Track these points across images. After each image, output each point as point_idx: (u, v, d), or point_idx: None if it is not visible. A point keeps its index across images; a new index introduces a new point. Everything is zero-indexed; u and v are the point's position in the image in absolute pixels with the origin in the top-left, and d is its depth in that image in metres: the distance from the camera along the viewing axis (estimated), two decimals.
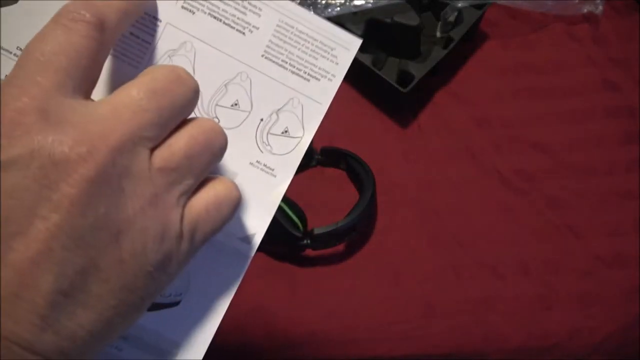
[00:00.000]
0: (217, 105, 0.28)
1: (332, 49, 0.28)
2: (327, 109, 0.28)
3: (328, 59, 0.28)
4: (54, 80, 0.21)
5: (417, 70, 0.55)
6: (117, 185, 0.20)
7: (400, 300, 0.51)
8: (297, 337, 0.50)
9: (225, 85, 0.28)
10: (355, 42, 0.28)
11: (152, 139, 0.22)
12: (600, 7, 0.61)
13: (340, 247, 0.53)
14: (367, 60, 0.55)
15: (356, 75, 0.57)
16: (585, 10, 0.62)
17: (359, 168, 0.54)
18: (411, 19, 0.56)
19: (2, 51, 0.27)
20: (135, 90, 0.22)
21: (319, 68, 0.28)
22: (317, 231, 0.49)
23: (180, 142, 0.23)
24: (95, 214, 0.20)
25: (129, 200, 0.21)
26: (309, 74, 0.28)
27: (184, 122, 0.24)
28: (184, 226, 0.23)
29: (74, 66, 0.21)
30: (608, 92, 0.59)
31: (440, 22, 0.59)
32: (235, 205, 0.25)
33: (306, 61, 0.28)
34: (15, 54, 0.27)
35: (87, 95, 0.22)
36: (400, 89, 0.54)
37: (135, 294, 0.21)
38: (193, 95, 0.23)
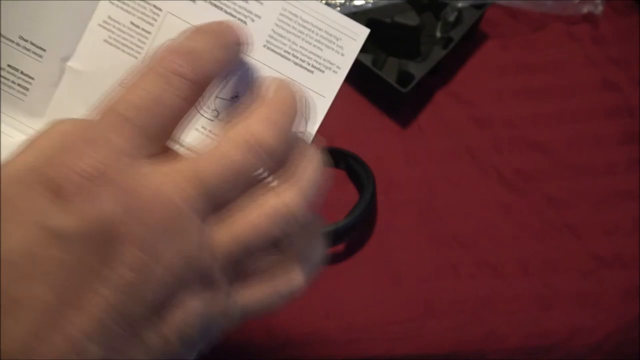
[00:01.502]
0: (217, 97, 0.27)
1: (337, 39, 0.27)
2: (331, 102, 0.27)
3: (333, 49, 0.27)
4: (129, 142, 0.20)
5: (417, 70, 0.55)
6: (171, 265, 0.20)
7: (400, 300, 0.51)
8: (297, 337, 0.50)
9: (226, 77, 0.27)
10: (363, 32, 0.27)
11: (207, 213, 0.21)
12: (600, 7, 0.61)
13: (340, 247, 0.53)
14: (367, 60, 0.55)
15: (356, 75, 0.57)
16: (585, 10, 0.61)
17: (359, 168, 0.54)
18: (411, 19, 0.56)
19: (3, 39, 0.27)
20: (206, 167, 0.21)
21: (324, 59, 0.27)
22: None
23: (240, 229, 0.21)
24: (147, 293, 0.20)
25: (180, 281, 0.20)
26: (313, 66, 0.27)
27: (247, 193, 0.22)
28: (233, 311, 0.22)
29: (156, 129, 0.20)
30: (608, 92, 0.59)
31: (440, 22, 0.59)
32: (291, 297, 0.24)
33: (310, 52, 0.27)
34: (17, 43, 0.27)
35: (158, 151, 0.21)
36: (400, 89, 0.54)
37: None
38: (263, 165, 0.21)
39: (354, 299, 0.51)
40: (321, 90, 0.27)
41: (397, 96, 0.55)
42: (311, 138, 0.27)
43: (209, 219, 0.21)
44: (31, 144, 0.21)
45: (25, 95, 0.27)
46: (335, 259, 0.53)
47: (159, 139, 0.21)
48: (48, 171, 0.19)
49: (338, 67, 0.27)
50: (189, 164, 0.21)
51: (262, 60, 0.27)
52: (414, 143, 0.57)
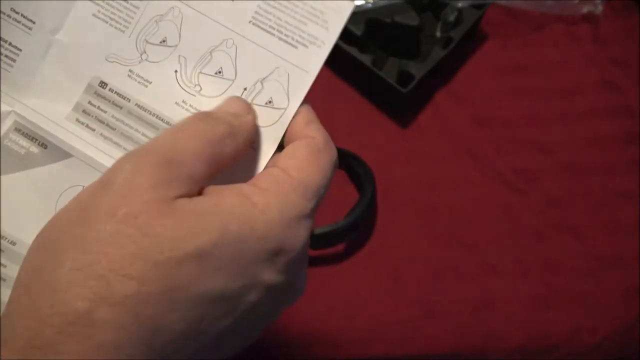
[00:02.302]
0: (200, 72, 0.27)
1: (322, 13, 0.27)
2: (314, 78, 0.27)
3: (318, 24, 0.27)
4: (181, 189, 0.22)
5: (417, 70, 0.55)
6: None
7: (400, 300, 0.51)
8: (297, 337, 0.50)
9: (210, 52, 0.27)
10: (347, 6, 0.27)
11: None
12: (600, 7, 0.61)
13: (340, 247, 0.53)
14: (367, 60, 0.55)
15: (356, 75, 0.58)
16: (585, 11, 0.62)
17: (359, 168, 0.54)
18: (411, 19, 0.56)
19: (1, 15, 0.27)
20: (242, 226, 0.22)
21: (308, 34, 0.27)
22: (317, 231, 0.49)
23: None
24: None
25: None
26: (297, 41, 0.27)
27: None
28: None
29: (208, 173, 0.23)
30: (608, 92, 0.59)
31: (440, 22, 0.59)
32: None
33: (295, 27, 0.27)
34: (8, 15, 0.27)
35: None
36: (400, 89, 0.54)
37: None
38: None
39: (354, 298, 0.51)
40: (304, 65, 0.27)
41: (397, 96, 0.55)
42: (292, 113, 0.27)
43: None
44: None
45: (11, 66, 0.28)
46: (335, 259, 0.53)
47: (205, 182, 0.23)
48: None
49: (322, 42, 0.27)
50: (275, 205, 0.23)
51: (248, 37, 0.27)
52: (414, 143, 0.57)
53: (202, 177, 0.22)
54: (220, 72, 0.27)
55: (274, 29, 0.27)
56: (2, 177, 0.27)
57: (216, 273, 0.21)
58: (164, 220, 0.20)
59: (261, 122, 0.27)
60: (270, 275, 0.22)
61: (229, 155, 0.24)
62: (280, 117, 0.27)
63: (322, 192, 0.25)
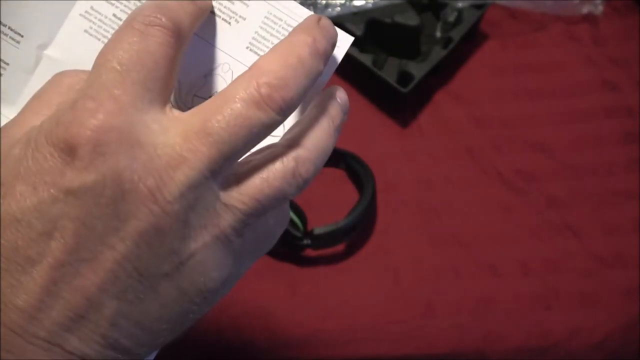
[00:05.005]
0: (195, 95, 0.27)
1: None
2: (311, 107, 0.27)
3: None
4: (131, 94, 0.20)
5: (417, 70, 0.55)
6: (183, 218, 0.20)
7: (400, 300, 0.51)
8: (297, 337, 0.50)
9: (205, 76, 0.27)
10: (346, 39, 0.26)
11: (222, 172, 0.21)
12: (600, 8, 0.61)
13: (340, 247, 0.53)
14: (367, 60, 0.55)
15: (356, 75, 0.58)
16: (585, 11, 0.62)
17: (359, 168, 0.54)
18: (411, 19, 0.56)
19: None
20: (212, 117, 0.21)
21: None
22: (317, 231, 0.49)
23: (252, 186, 0.22)
24: (160, 246, 0.20)
25: (194, 233, 0.21)
26: None
27: (263, 155, 0.23)
28: (243, 254, 0.23)
29: (151, 78, 0.21)
30: (608, 92, 0.59)
31: (440, 22, 0.59)
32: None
33: None
34: (4, 33, 0.27)
35: (163, 105, 0.22)
36: (400, 89, 0.54)
37: (188, 316, 0.22)
38: (275, 120, 0.22)
39: (354, 299, 0.51)
40: None
41: (397, 96, 0.55)
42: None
43: (222, 176, 0.21)
44: (35, 101, 0.22)
45: None
46: (335, 259, 0.53)
47: (159, 90, 0.21)
48: (58, 131, 0.19)
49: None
50: (198, 122, 0.21)
51: (244, 62, 0.27)
52: (414, 143, 0.57)
53: None
54: None
55: None
56: None
57: None
58: None
59: (257, 147, 0.27)
60: None
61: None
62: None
63: None
